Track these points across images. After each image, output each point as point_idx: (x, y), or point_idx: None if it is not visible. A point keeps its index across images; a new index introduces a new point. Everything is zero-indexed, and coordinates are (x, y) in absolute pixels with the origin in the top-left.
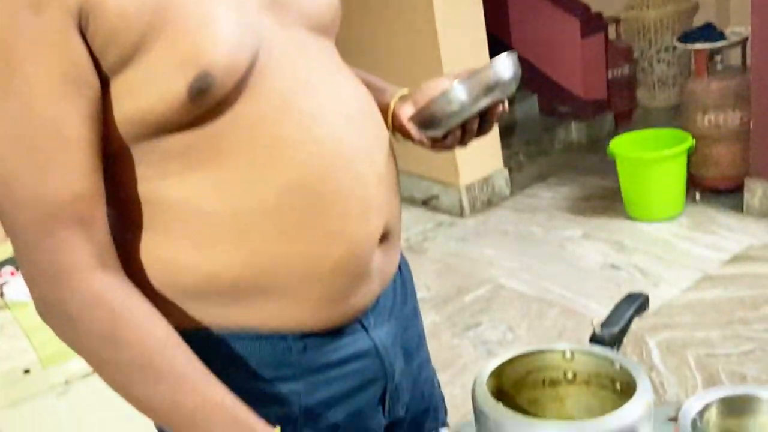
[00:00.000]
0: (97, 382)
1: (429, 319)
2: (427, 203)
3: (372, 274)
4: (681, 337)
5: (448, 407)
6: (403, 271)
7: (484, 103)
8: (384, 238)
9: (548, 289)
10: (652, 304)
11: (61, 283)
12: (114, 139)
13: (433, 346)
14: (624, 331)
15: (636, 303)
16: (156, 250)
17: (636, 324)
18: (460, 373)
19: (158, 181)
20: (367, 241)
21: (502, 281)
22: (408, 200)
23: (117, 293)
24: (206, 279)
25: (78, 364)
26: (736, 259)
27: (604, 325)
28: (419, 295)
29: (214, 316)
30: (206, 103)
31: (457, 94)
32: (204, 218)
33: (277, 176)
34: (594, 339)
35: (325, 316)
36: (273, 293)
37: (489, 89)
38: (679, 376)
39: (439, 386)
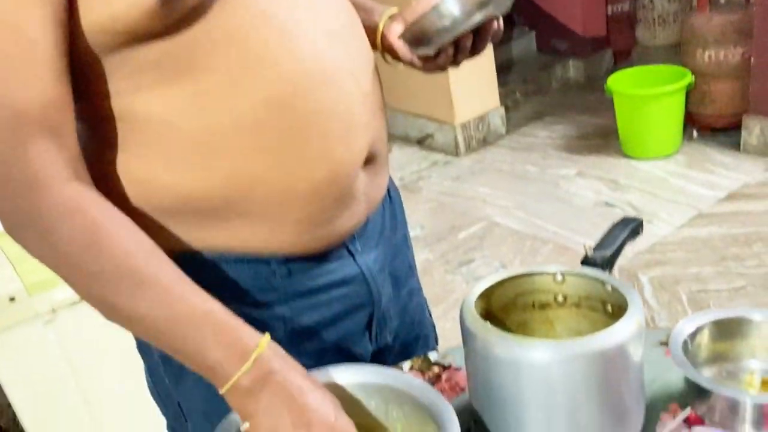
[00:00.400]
0: (85, 311)
1: (422, 256)
2: (421, 142)
3: (357, 197)
4: (673, 274)
5: (439, 341)
6: (393, 198)
7: (477, 18)
8: (369, 160)
9: (542, 226)
10: (645, 241)
11: (35, 194)
12: (84, 50)
13: (425, 282)
14: (616, 254)
15: (630, 227)
16: (131, 169)
17: (629, 261)
18: (452, 308)
19: (131, 95)
20: (350, 162)
21: (496, 219)
22: (402, 139)
23: (94, 204)
24: (183, 199)
25: (64, 293)
26: (731, 197)
27: (596, 248)
28: (413, 233)
29: (194, 238)
30: (178, 9)
31: (449, 8)
32: (179, 136)
33: (255, 92)
34: (586, 261)
35: (307, 239)
36: (253, 215)
37: (483, 4)
38: (671, 311)
39: (430, 315)
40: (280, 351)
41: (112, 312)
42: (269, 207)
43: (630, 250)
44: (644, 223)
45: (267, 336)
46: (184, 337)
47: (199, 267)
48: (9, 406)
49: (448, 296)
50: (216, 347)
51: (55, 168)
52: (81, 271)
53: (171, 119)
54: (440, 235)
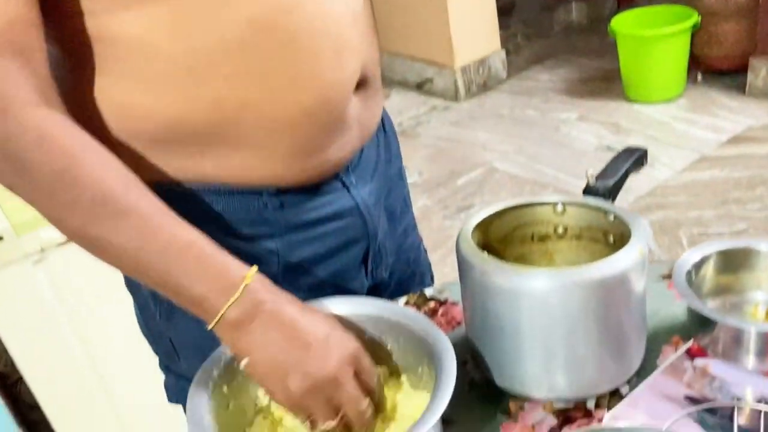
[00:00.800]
0: (74, 250)
1: (420, 202)
2: (420, 87)
3: (349, 123)
4: (674, 217)
5: (435, 282)
6: (387, 130)
7: None
8: (361, 84)
9: (542, 171)
10: (646, 185)
11: (5, 119)
12: None
13: (424, 228)
14: (620, 184)
15: (634, 156)
16: (109, 94)
17: (629, 205)
18: (450, 253)
19: (107, 15)
20: (341, 85)
21: (496, 164)
22: (401, 84)
23: (66, 130)
24: (165, 126)
25: (53, 232)
26: (734, 140)
27: (599, 177)
28: (411, 180)
29: (180, 168)
30: None
31: None
32: (160, 58)
33: (239, 11)
34: (587, 191)
35: (299, 168)
36: (242, 143)
37: None
38: (672, 254)
39: (426, 253)
40: (268, 282)
41: (90, 245)
42: (258, 134)
43: (631, 194)
44: (646, 168)
45: (254, 268)
46: (166, 270)
47: (188, 199)
48: (6, 351)
49: (447, 242)
50: (201, 280)
51: (22, 91)
52: (55, 201)
53: (150, 41)
54: (439, 180)
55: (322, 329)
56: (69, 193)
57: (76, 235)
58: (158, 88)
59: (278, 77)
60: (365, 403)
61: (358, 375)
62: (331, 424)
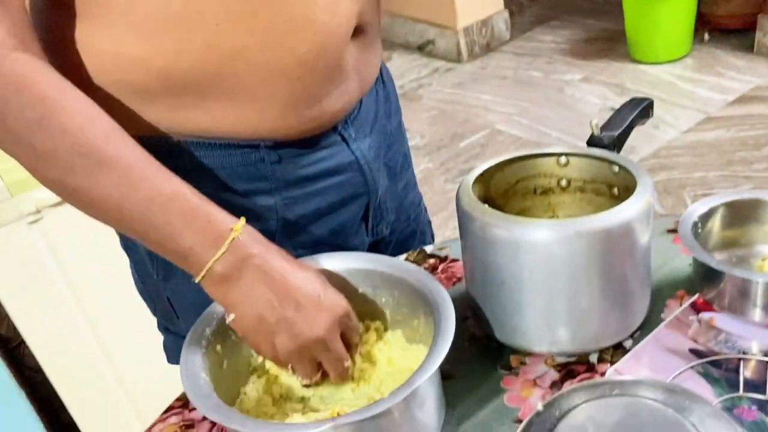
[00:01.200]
0: (71, 210)
1: (422, 165)
2: (422, 49)
3: (346, 73)
4: (679, 178)
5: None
6: (386, 83)
7: None
8: (358, 32)
9: (545, 132)
10: (650, 145)
11: None
12: None
13: (425, 191)
14: (625, 135)
15: (639, 107)
16: (98, 42)
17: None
18: (452, 217)
19: None
20: (337, 31)
21: (499, 126)
22: (402, 46)
23: (44, 76)
24: (157, 75)
25: (48, 192)
26: (740, 100)
27: (603, 127)
28: (412, 143)
29: (174, 120)
30: None
31: None
32: (149, 4)
33: None
34: (591, 142)
35: (296, 120)
36: (235, 93)
37: None
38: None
39: (426, 212)
40: (258, 235)
41: (71, 196)
42: (252, 84)
43: (635, 154)
44: (650, 128)
45: (242, 220)
46: (151, 222)
47: (182, 154)
48: (7, 314)
49: (448, 205)
50: (186, 232)
51: (0, 36)
52: (34, 151)
53: None
54: (441, 143)
55: (313, 287)
56: (47, 142)
57: (55, 186)
58: (148, 35)
59: (271, 22)
60: (348, 361)
61: (343, 334)
62: (316, 378)
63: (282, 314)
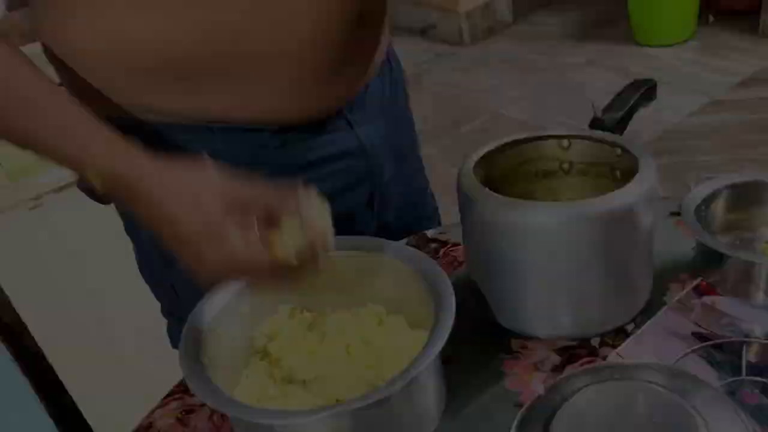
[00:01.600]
0: (71, 195)
1: (425, 151)
2: (424, 33)
3: (351, 56)
4: (683, 161)
5: None
6: (393, 66)
7: None
8: (363, 15)
9: (548, 117)
10: (655, 129)
11: None
12: None
13: (428, 176)
14: (628, 117)
15: (642, 88)
16: (99, 21)
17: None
18: (454, 203)
19: None
20: (340, 14)
21: (502, 111)
22: (404, 30)
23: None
24: (158, 57)
25: (48, 177)
26: (746, 82)
27: (605, 109)
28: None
29: (177, 104)
30: None
31: None
32: None
33: None
34: (594, 124)
35: (299, 105)
36: (238, 76)
37: None
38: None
39: (433, 198)
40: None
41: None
42: (255, 67)
43: (638, 138)
44: (654, 112)
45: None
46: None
47: (186, 135)
48: (9, 302)
49: (451, 190)
50: (86, 139)
51: None
52: None
53: None
54: (443, 128)
55: (217, 206)
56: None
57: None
58: (150, 15)
59: (273, 4)
60: (267, 260)
61: (262, 219)
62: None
63: (198, 237)
